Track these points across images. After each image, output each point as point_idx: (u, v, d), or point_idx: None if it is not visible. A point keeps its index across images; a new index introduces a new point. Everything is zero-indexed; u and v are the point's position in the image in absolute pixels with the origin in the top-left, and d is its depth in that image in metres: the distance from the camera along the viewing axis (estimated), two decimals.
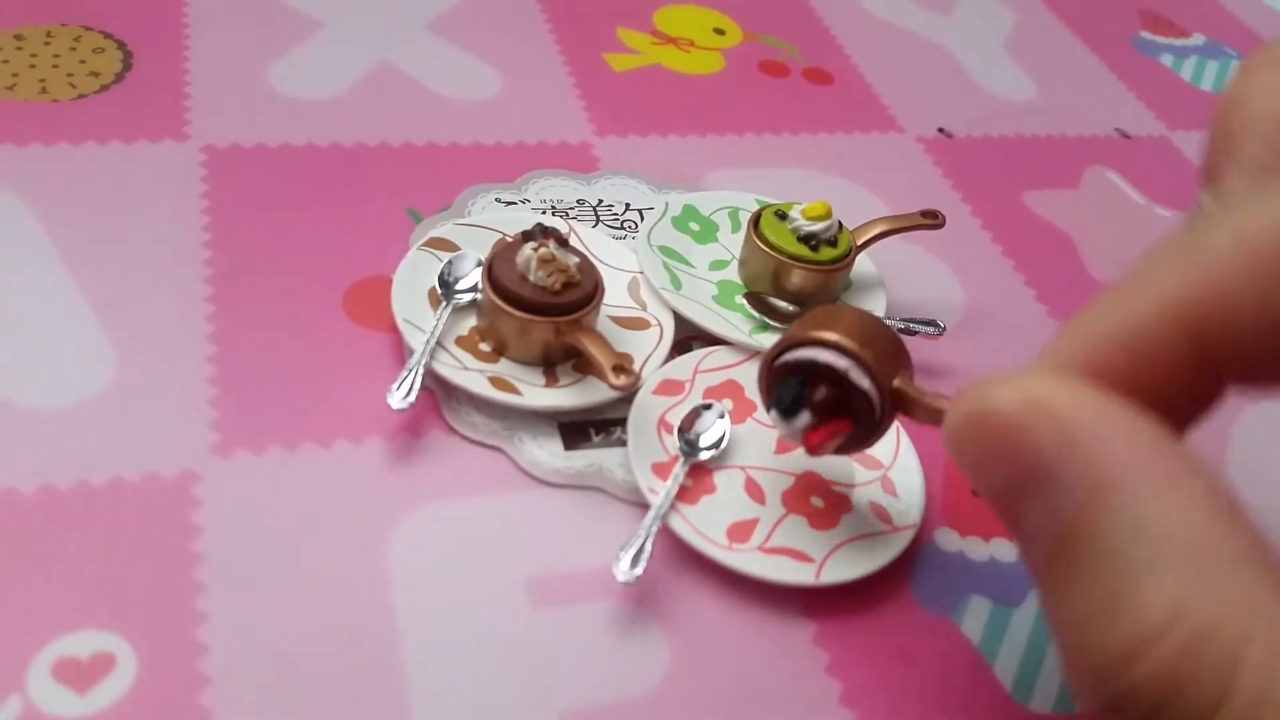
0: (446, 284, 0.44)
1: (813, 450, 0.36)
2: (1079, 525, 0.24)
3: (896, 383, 0.35)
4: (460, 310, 0.44)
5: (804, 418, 0.36)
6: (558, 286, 0.41)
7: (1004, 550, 0.42)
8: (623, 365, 0.40)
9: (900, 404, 0.35)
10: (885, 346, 0.35)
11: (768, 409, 0.38)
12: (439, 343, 0.42)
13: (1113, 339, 0.26)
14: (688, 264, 0.49)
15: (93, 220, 0.46)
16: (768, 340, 0.46)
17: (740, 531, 0.39)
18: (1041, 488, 0.25)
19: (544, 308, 0.41)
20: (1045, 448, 0.24)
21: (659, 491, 0.39)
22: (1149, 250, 0.26)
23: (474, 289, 0.44)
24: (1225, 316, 0.25)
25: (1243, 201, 0.28)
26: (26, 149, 0.48)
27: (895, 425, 0.43)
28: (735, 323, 0.46)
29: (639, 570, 0.36)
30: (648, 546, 0.36)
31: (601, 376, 0.40)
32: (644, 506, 0.39)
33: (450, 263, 0.45)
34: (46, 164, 0.48)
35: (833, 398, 0.36)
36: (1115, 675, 0.23)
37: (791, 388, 0.36)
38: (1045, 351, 0.27)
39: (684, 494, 0.39)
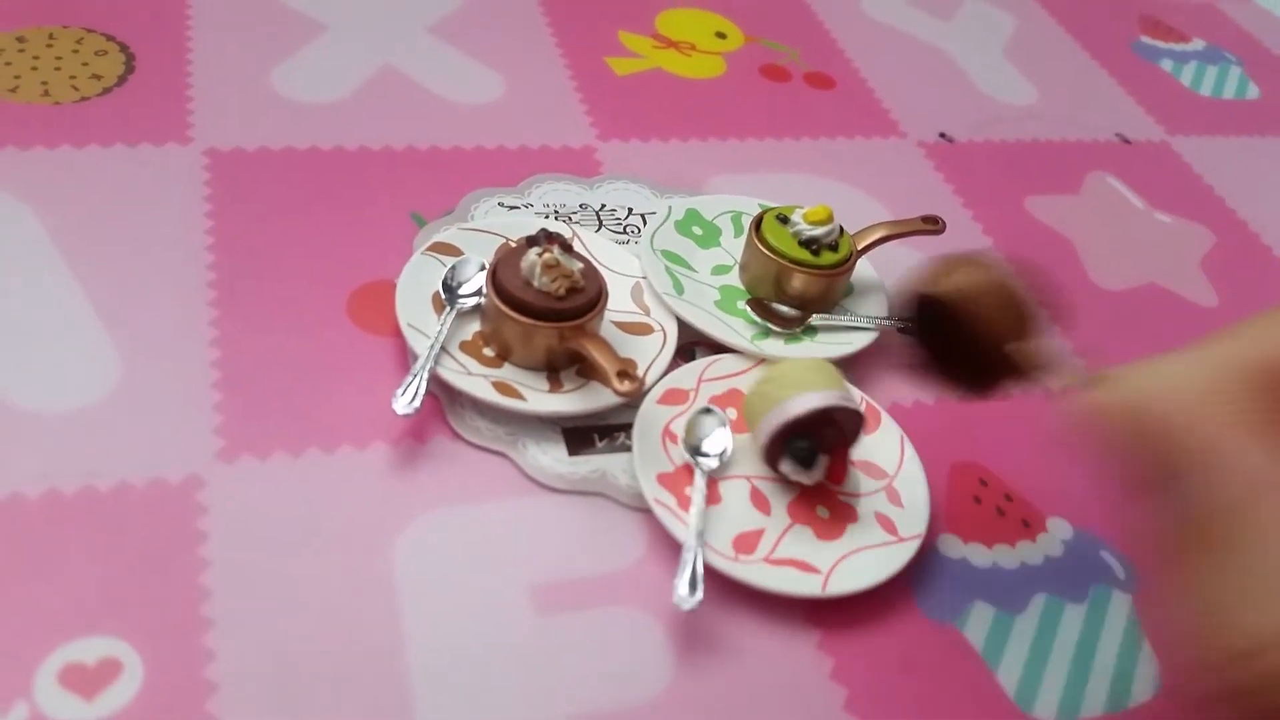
0: (450, 289, 0.44)
1: (838, 479, 0.40)
2: (1235, 517, 0.24)
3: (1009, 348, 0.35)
4: (463, 315, 0.44)
5: (823, 461, 0.39)
6: (562, 292, 0.41)
7: (1006, 557, 0.42)
8: (627, 371, 0.40)
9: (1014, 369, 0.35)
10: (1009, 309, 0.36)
11: (777, 467, 0.40)
12: (443, 348, 0.42)
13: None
14: (690, 268, 0.49)
15: (96, 223, 0.46)
16: (769, 346, 0.46)
17: (746, 543, 0.39)
18: (1198, 475, 0.25)
19: (548, 313, 0.41)
20: (1216, 440, 0.25)
21: (668, 505, 0.39)
22: None
23: (478, 294, 0.44)
24: None
25: None
26: (29, 152, 0.48)
27: (899, 434, 0.43)
28: (737, 328, 0.47)
29: (699, 594, 0.36)
30: (699, 569, 0.36)
31: (606, 382, 0.40)
32: (647, 512, 0.39)
33: (454, 268, 0.45)
34: (50, 167, 0.48)
35: (836, 430, 0.39)
36: (1239, 665, 0.24)
37: (801, 447, 0.39)
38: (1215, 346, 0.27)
39: (689, 505, 0.39)
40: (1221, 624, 0.25)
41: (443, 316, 0.43)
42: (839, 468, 0.40)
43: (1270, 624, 0.24)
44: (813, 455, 0.39)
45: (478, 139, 0.54)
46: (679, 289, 0.48)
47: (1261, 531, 0.24)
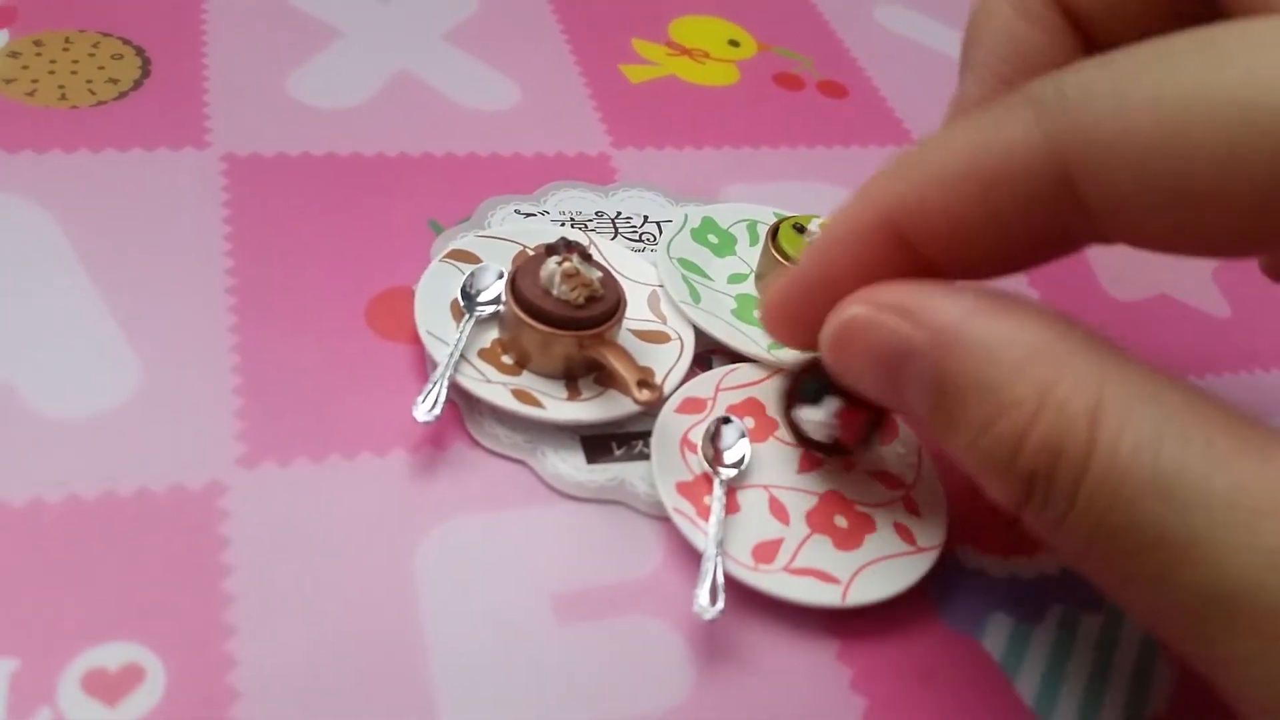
0: (469, 296, 0.44)
1: (851, 438, 0.38)
2: (946, 375, 0.29)
3: None
4: (482, 323, 0.44)
5: (833, 403, 0.37)
6: (581, 300, 0.41)
7: (1024, 567, 0.42)
8: (646, 380, 0.40)
9: None
10: None
11: (789, 412, 0.39)
12: (462, 355, 0.42)
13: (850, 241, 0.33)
14: (706, 277, 0.49)
15: (115, 228, 0.46)
16: (786, 355, 0.46)
17: (766, 552, 0.39)
18: (906, 364, 0.30)
19: (567, 321, 0.41)
20: (898, 329, 0.30)
21: (687, 514, 0.39)
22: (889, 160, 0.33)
23: (496, 301, 0.44)
24: (923, 218, 0.31)
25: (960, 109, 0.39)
26: (47, 156, 0.48)
27: (917, 444, 0.44)
28: (754, 337, 0.47)
29: (720, 604, 0.36)
30: (720, 579, 0.36)
31: (625, 391, 0.40)
32: (665, 520, 0.39)
33: (472, 275, 0.45)
34: (67, 171, 0.48)
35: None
36: (1011, 468, 0.28)
37: (811, 382, 0.38)
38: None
39: (708, 514, 0.39)
40: (986, 450, 0.29)
41: (461, 324, 0.43)
42: (854, 418, 0.38)
43: (1015, 422, 0.27)
44: (821, 392, 0.38)
45: (493, 146, 0.54)
46: (696, 297, 0.48)
47: (975, 359, 0.29)
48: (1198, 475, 0.24)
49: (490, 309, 0.44)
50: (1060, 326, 0.28)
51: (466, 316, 0.43)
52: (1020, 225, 0.30)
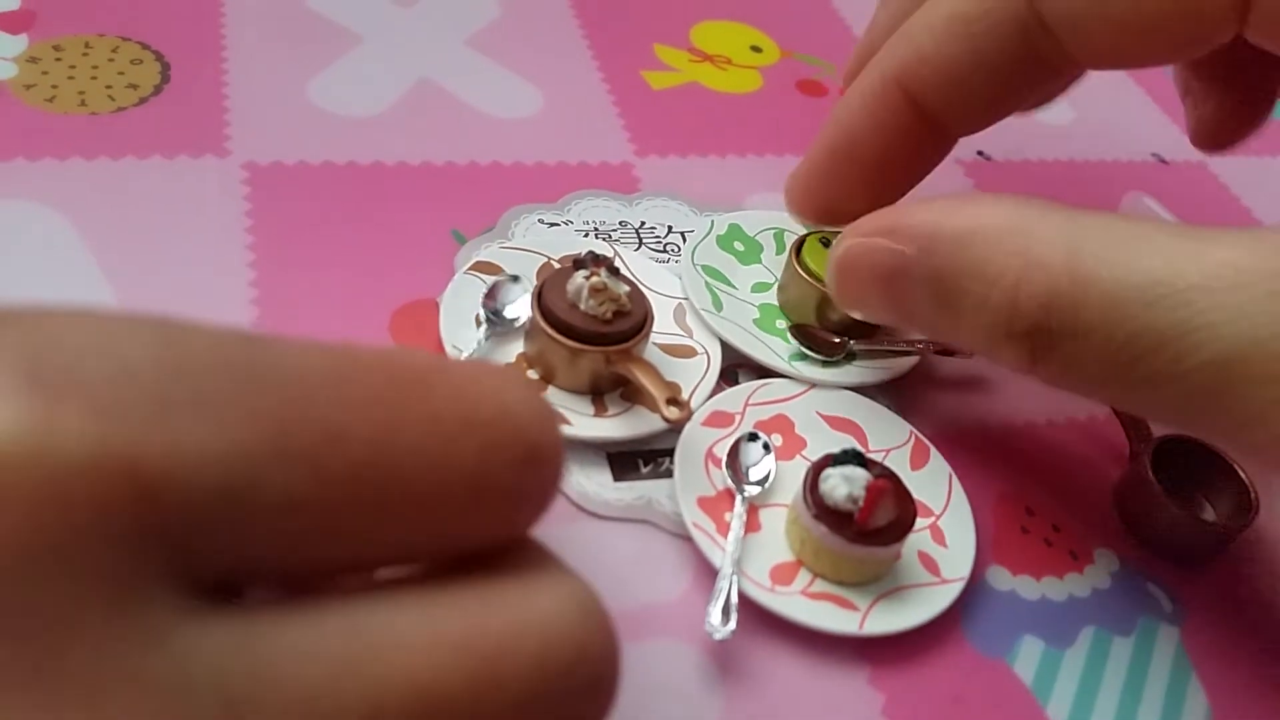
0: (490, 311, 0.44)
1: (869, 511, 0.37)
2: (938, 272, 0.33)
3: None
4: (504, 336, 0.43)
5: (863, 473, 0.37)
6: (608, 315, 0.41)
7: (1054, 589, 0.42)
8: (675, 398, 0.39)
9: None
10: None
11: (815, 488, 0.38)
12: None
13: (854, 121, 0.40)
14: (731, 285, 0.49)
15: (136, 236, 0.45)
16: (805, 368, 0.45)
17: (784, 574, 0.38)
18: (903, 276, 0.34)
19: (594, 337, 0.41)
20: (888, 247, 0.34)
21: (707, 530, 0.38)
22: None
23: (517, 318, 0.43)
24: (921, 68, 0.37)
25: None
26: (67, 163, 0.48)
27: (948, 472, 0.43)
28: (775, 348, 0.46)
29: (732, 624, 0.35)
30: (734, 598, 0.36)
31: (654, 408, 0.40)
32: (691, 539, 0.39)
33: (493, 288, 0.44)
34: (88, 179, 0.47)
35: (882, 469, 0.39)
36: (1014, 332, 0.31)
37: (844, 455, 0.38)
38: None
39: (728, 530, 0.39)
40: (986, 320, 0.32)
41: (478, 335, 0.43)
42: (878, 489, 0.37)
43: (1009, 288, 0.31)
44: (853, 458, 0.38)
45: (516, 154, 0.54)
46: (718, 305, 0.47)
47: (959, 248, 0.33)
48: (1172, 275, 0.28)
49: (514, 318, 0.43)
50: (1019, 201, 0.32)
51: (485, 326, 0.43)
52: (1001, 57, 0.36)
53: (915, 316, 0.35)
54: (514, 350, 0.43)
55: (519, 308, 0.44)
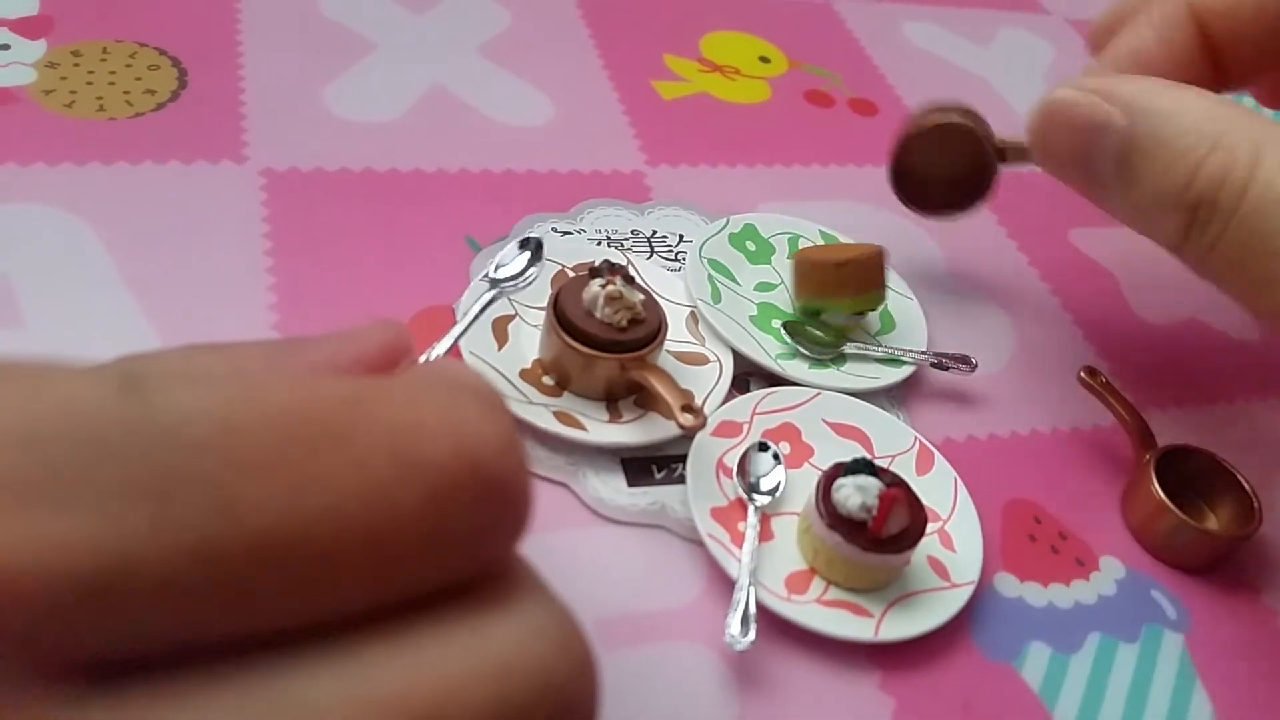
0: (491, 276, 0.45)
1: (883, 519, 0.37)
2: (1134, 138, 0.36)
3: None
4: (521, 342, 0.44)
5: (875, 482, 0.38)
6: (623, 323, 0.42)
7: (1061, 596, 0.42)
8: (690, 405, 0.40)
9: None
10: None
11: (827, 497, 0.38)
12: (503, 375, 0.42)
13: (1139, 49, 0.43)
14: (734, 280, 0.50)
15: (155, 242, 0.46)
16: (793, 368, 0.46)
17: (798, 582, 0.39)
18: (1101, 136, 0.37)
19: (610, 344, 0.41)
20: (1097, 105, 0.37)
21: (721, 541, 0.39)
22: None
23: (519, 275, 0.45)
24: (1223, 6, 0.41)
25: None
26: (86, 168, 0.48)
27: (954, 477, 0.43)
28: (766, 346, 0.47)
29: (751, 634, 0.36)
30: (752, 609, 0.36)
31: (669, 415, 0.40)
32: (704, 545, 0.39)
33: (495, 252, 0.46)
34: (107, 184, 0.48)
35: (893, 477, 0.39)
36: (1181, 200, 0.35)
37: (856, 464, 0.38)
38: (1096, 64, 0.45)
39: (742, 540, 0.39)
40: (1161, 190, 0.36)
41: (481, 297, 0.44)
42: (892, 497, 0.37)
43: (1189, 162, 0.35)
44: (865, 467, 0.38)
45: (529, 162, 0.54)
46: (716, 297, 0.48)
47: (1158, 122, 0.36)
48: None
49: (512, 278, 0.45)
50: (1225, 99, 0.36)
51: (486, 289, 0.44)
52: None
53: (1093, 169, 0.38)
54: (532, 357, 0.44)
55: (512, 268, 0.45)
